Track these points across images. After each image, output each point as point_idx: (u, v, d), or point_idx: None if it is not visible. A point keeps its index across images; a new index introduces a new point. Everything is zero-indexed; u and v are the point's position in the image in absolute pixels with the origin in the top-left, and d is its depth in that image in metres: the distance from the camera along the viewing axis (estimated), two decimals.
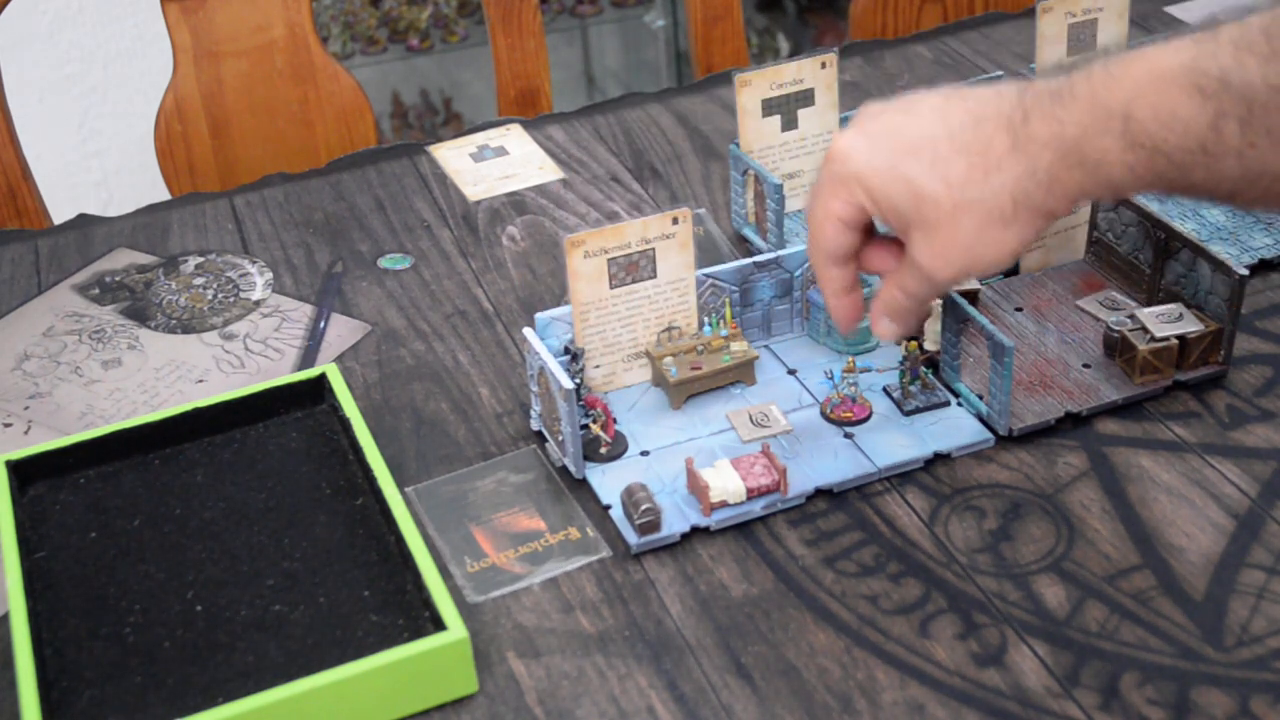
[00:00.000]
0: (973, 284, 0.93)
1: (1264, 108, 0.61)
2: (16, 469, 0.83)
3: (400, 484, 0.83)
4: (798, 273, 0.91)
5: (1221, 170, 0.64)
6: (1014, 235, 0.70)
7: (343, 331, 0.99)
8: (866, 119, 0.74)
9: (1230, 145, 0.63)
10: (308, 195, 1.17)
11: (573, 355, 0.86)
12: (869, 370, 0.88)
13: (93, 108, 2.29)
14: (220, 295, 1.04)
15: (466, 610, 0.75)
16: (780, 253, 0.91)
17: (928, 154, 0.70)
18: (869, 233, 0.76)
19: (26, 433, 0.91)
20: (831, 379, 0.88)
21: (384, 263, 1.07)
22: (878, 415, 0.86)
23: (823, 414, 0.86)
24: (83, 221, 1.15)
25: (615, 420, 0.86)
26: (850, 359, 0.87)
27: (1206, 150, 0.63)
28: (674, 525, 0.79)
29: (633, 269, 0.86)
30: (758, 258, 0.90)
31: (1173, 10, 1.37)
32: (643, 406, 0.88)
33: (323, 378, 0.88)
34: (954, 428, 0.84)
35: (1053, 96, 0.68)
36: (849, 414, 0.85)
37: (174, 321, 1.02)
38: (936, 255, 0.71)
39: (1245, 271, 0.85)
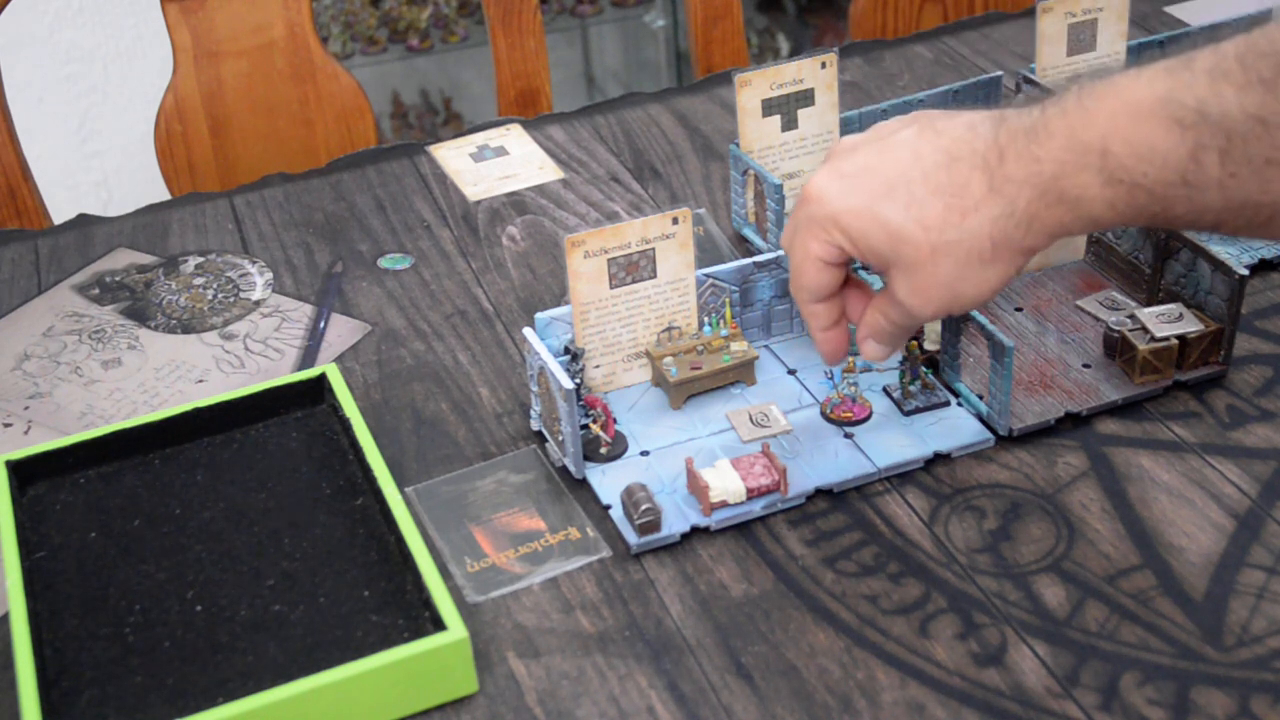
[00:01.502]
0: None
1: (1243, 137, 0.60)
2: (16, 469, 0.83)
3: (400, 484, 0.83)
4: None
5: (1204, 201, 0.63)
6: (994, 274, 0.70)
7: (343, 331, 0.99)
8: (840, 157, 0.73)
9: (1211, 176, 0.62)
10: (308, 195, 1.17)
11: (573, 355, 0.86)
12: (869, 370, 0.88)
13: (93, 108, 2.29)
14: (220, 295, 1.04)
15: (466, 610, 0.75)
16: (780, 253, 0.91)
17: (903, 195, 0.69)
18: (846, 268, 0.76)
19: (26, 433, 0.91)
20: (831, 379, 0.88)
21: (384, 263, 1.07)
22: (878, 415, 0.86)
23: (823, 414, 0.86)
24: (83, 221, 1.15)
25: (615, 420, 0.86)
26: (850, 359, 0.87)
27: (1187, 182, 0.63)
28: (674, 525, 0.79)
29: (633, 269, 0.86)
30: (758, 258, 0.90)
31: (1173, 10, 1.37)
32: (643, 406, 0.88)
33: (323, 378, 0.89)
34: (954, 428, 0.84)
35: (1028, 133, 0.67)
36: (849, 414, 0.85)
37: (174, 321, 1.02)
38: (916, 294, 0.71)
39: (1245, 271, 0.85)
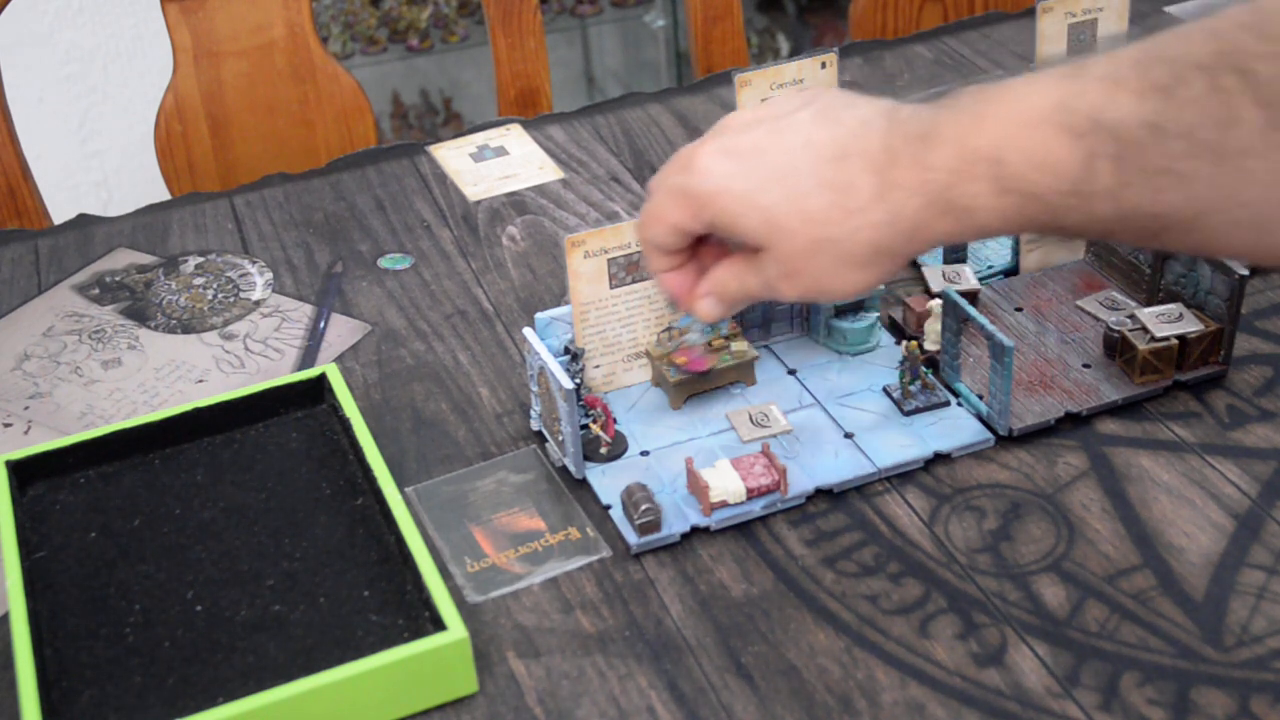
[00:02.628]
0: (972, 284, 0.93)
1: (1137, 145, 0.58)
2: (16, 469, 0.83)
3: (400, 484, 0.83)
4: None
5: (1095, 211, 0.61)
6: (865, 276, 0.68)
7: (343, 331, 0.99)
8: (731, 132, 0.71)
9: (1104, 185, 0.60)
10: (308, 195, 1.17)
11: (573, 355, 0.86)
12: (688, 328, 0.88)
13: (93, 108, 2.29)
14: (220, 295, 1.04)
15: (466, 610, 0.75)
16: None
17: (789, 185, 0.67)
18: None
19: (26, 433, 0.91)
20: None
21: (384, 263, 1.07)
22: (878, 415, 0.86)
23: (671, 364, 0.86)
24: (83, 221, 1.15)
25: (615, 420, 0.86)
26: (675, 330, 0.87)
27: (1079, 192, 0.61)
28: (674, 525, 0.79)
29: (633, 269, 0.86)
30: None
31: (1173, 10, 1.37)
32: (643, 406, 0.88)
33: (323, 378, 0.89)
34: (954, 428, 0.84)
35: (920, 139, 0.65)
36: (683, 360, 0.85)
37: (174, 321, 1.02)
38: (785, 278, 0.70)
39: (1245, 271, 0.85)
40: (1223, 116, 0.56)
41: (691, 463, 0.80)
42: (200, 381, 0.96)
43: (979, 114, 0.63)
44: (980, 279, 0.96)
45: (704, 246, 0.76)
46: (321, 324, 1.00)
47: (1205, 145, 0.57)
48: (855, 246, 0.67)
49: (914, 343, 0.86)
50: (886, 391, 0.87)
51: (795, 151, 0.68)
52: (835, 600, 0.75)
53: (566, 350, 0.86)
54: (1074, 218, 0.62)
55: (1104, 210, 0.61)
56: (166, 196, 1.37)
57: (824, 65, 1.03)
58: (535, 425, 0.87)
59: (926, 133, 0.65)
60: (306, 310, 1.02)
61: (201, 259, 1.09)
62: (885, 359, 0.90)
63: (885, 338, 0.92)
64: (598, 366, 0.88)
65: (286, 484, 0.83)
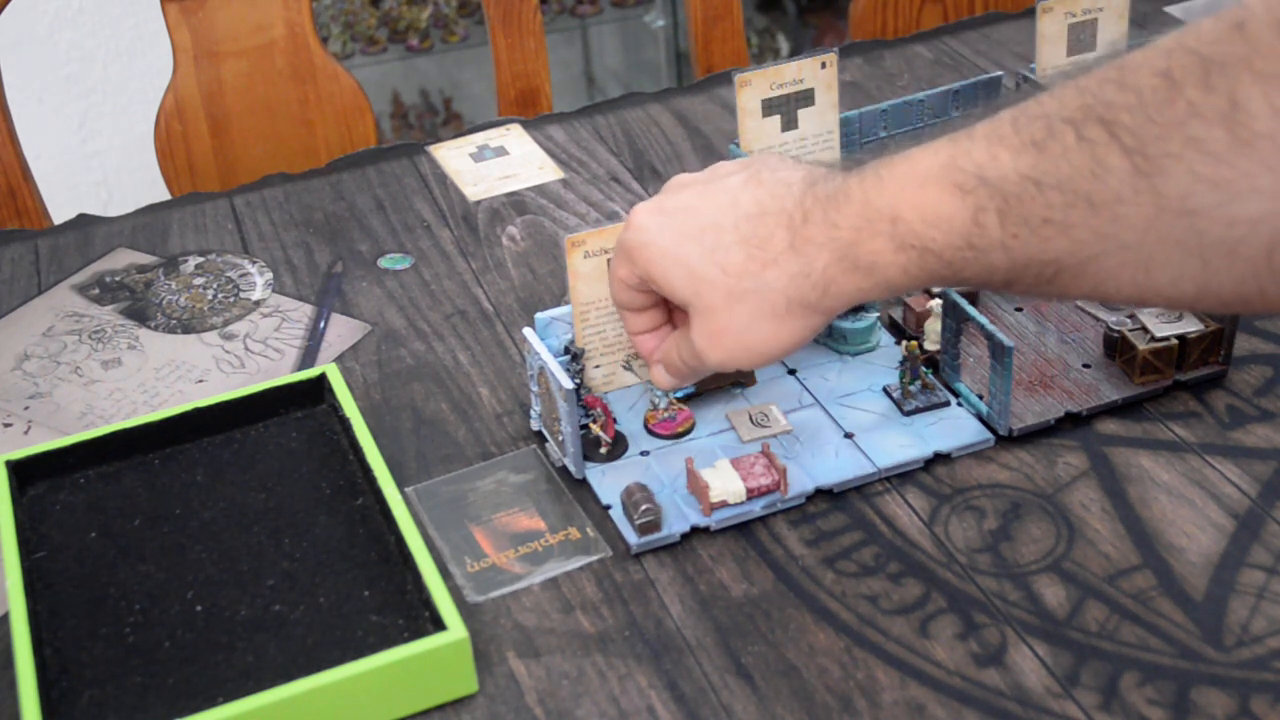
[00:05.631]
0: None
1: (1019, 198, 0.62)
2: (16, 469, 0.83)
3: (400, 484, 0.83)
4: None
5: (990, 262, 0.64)
6: (787, 331, 0.72)
7: (343, 331, 0.99)
8: (669, 192, 0.76)
9: (993, 238, 0.63)
10: (308, 195, 1.17)
11: (573, 355, 0.86)
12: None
13: (93, 108, 2.29)
14: (220, 295, 1.04)
15: (466, 610, 0.75)
16: None
17: (710, 239, 0.72)
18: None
19: (26, 433, 0.91)
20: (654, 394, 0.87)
21: (384, 263, 1.07)
22: (878, 415, 0.86)
23: (646, 428, 0.86)
24: (83, 221, 1.15)
25: (615, 420, 0.86)
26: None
27: (972, 245, 0.64)
28: (674, 525, 0.79)
29: None
30: None
31: (1173, 10, 1.37)
32: (643, 406, 0.88)
33: (323, 378, 0.89)
34: (954, 428, 0.84)
35: (830, 199, 0.69)
36: (664, 427, 0.85)
37: (174, 321, 1.02)
38: (708, 338, 0.73)
39: None
40: (1093, 167, 0.59)
41: (691, 463, 0.80)
42: (200, 381, 0.96)
43: (880, 176, 0.68)
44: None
45: (677, 312, 0.80)
46: (321, 324, 1.00)
47: (1080, 194, 0.60)
48: (772, 296, 0.70)
49: (914, 343, 0.86)
50: (886, 391, 0.87)
51: (721, 209, 0.72)
52: (835, 600, 0.75)
53: (566, 350, 0.86)
54: (972, 269, 0.65)
55: (999, 260, 0.64)
56: (166, 196, 1.37)
57: (824, 65, 1.03)
58: (535, 425, 0.87)
59: (836, 193, 0.69)
60: (306, 310, 1.02)
61: (201, 259, 1.09)
62: (885, 359, 0.90)
63: (885, 338, 0.92)
64: (598, 366, 0.88)
65: (286, 484, 0.83)
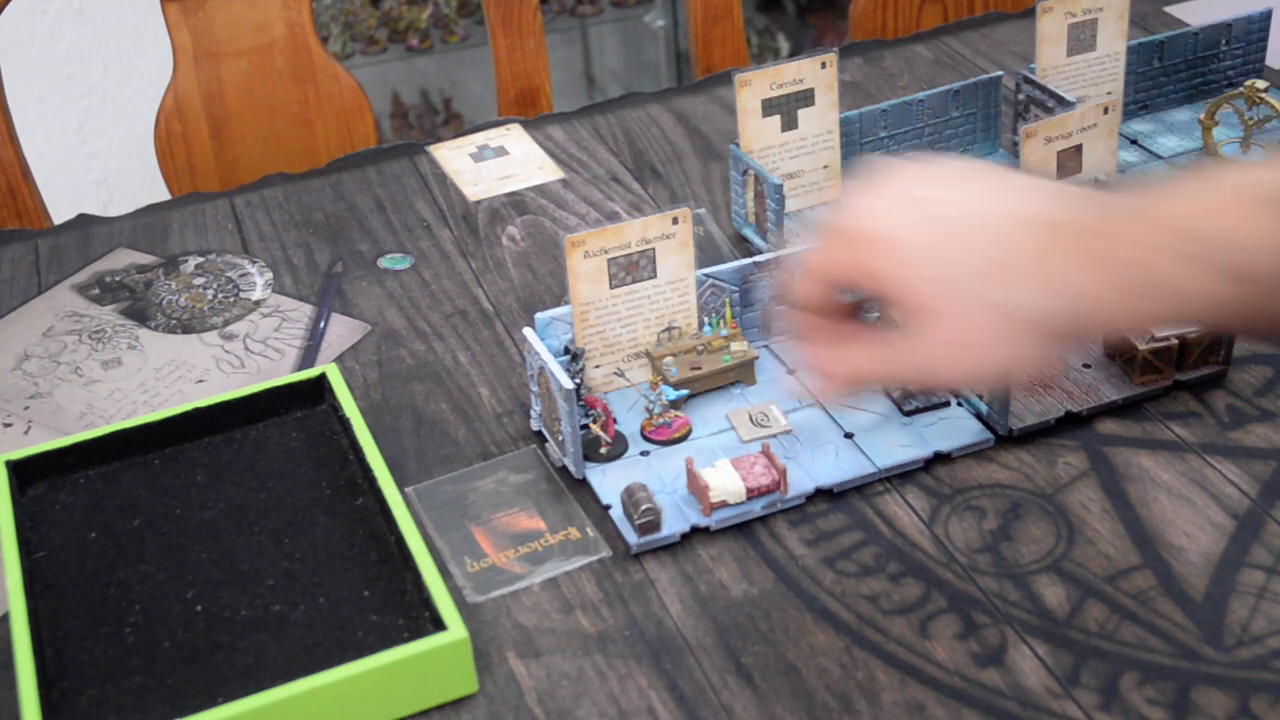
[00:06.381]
0: None
1: None
2: (16, 469, 0.83)
3: (400, 484, 0.83)
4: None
5: None
6: (1024, 350, 0.63)
7: (343, 331, 0.99)
8: (912, 183, 0.66)
9: None
10: (308, 195, 1.17)
11: (573, 355, 0.86)
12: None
13: (93, 108, 2.29)
14: (220, 295, 1.04)
15: (466, 610, 0.75)
16: (780, 253, 0.91)
17: (967, 241, 0.63)
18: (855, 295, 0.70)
19: (26, 433, 0.91)
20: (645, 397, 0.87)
21: (384, 263, 1.07)
22: (878, 415, 0.86)
23: (642, 434, 0.85)
24: (83, 221, 1.15)
25: (615, 420, 0.86)
26: (654, 378, 0.86)
27: None
28: (674, 525, 0.79)
29: (633, 269, 0.86)
30: (758, 258, 0.90)
31: (1173, 10, 1.37)
32: (643, 406, 0.88)
33: (323, 378, 0.89)
34: (954, 428, 0.84)
35: (1119, 215, 0.62)
36: (660, 434, 0.85)
37: (174, 321, 1.02)
38: (941, 348, 0.64)
39: None
40: None
41: (691, 463, 0.80)
42: (200, 381, 0.96)
43: (1172, 192, 0.61)
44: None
45: (845, 325, 0.70)
46: (321, 324, 1.00)
47: None
48: (1024, 313, 0.62)
49: None
50: (886, 391, 0.87)
51: (980, 213, 0.64)
52: (835, 600, 0.75)
53: (566, 350, 0.86)
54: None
55: None
56: (166, 196, 1.37)
57: (824, 65, 1.03)
58: (535, 425, 0.87)
59: (1123, 210, 0.62)
60: (306, 310, 1.02)
61: (201, 259, 1.09)
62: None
63: None
64: (598, 366, 0.88)
65: (286, 484, 0.83)
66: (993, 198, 0.64)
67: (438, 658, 0.69)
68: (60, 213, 1.33)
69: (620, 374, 0.88)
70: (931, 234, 0.64)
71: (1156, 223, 0.60)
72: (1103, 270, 0.61)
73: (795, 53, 2.07)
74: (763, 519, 0.80)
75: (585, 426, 0.84)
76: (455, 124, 2.61)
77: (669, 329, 0.88)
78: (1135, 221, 0.61)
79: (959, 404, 0.86)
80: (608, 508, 0.80)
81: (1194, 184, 0.61)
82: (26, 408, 0.94)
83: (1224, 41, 1.16)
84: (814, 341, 0.69)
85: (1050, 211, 0.63)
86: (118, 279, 1.07)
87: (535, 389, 0.85)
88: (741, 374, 0.89)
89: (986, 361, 0.64)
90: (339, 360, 0.96)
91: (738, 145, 1.03)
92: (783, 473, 0.80)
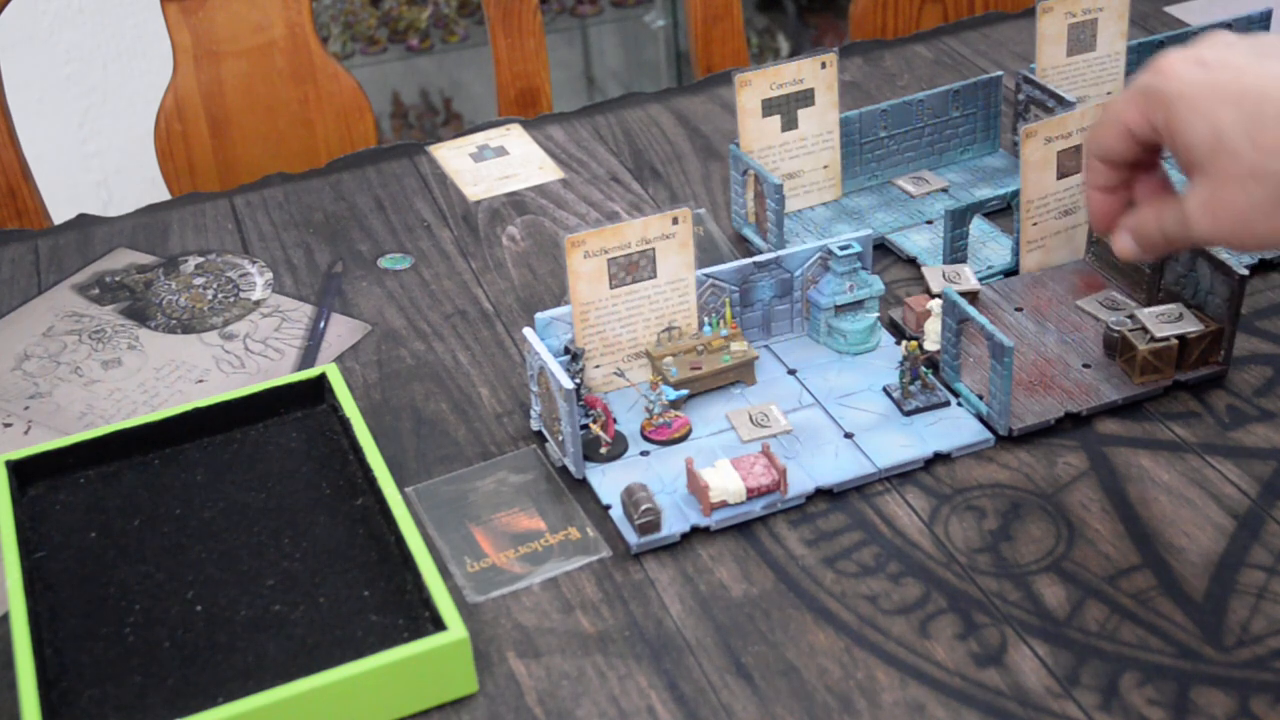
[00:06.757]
0: (972, 284, 0.93)
1: None
2: (16, 469, 0.83)
3: (400, 484, 0.83)
4: (798, 273, 0.91)
5: None
6: None
7: (343, 331, 0.99)
8: (1214, 46, 0.68)
9: None
10: (308, 195, 1.17)
11: (573, 355, 0.86)
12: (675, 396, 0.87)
13: (93, 108, 2.29)
14: (220, 295, 1.04)
15: (466, 610, 0.75)
16: (780, 253, 0.91)
17: (1251, 107, 0.64)
18: (1155, 153, 0.72)
19: (26, 433, 0.91)
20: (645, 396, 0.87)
21: (384, 263, 1.07)
22: (878, 415, 0.86)
23: (642, 434, 0.85)
24: (83, 221, 1.15)
25: (615, 420, 0.86)
26: (654, 379, 0.86)
27: None
28: (674, 525, 0.79)
29: (633, 269, 0.86)
30: (758, 258, 0.90)
31: (1173, 10, 1.37)
32: (643, 406, 0.88)
33: (323, 378, 0.89)
34: (954, 428, 0.84)
35: None
36: (660, 434, 0.85)
37: (174, 321, 1.02)
38: (1208, 210, 0.66)
39: (1245, 271, 0.85)
40: None
41: (691, 463, 0.80)
42: (200, 381, 0.96)
43: None
44: (980, 279, 0.96)
45: (1141, 180, 0.73)
46: (321, 324, 1.00)
47: None
48: None
49: (914, 343, 0.86)
50: (886, 391, 0.87)
51: (1270, 79, 0.65)
52: (835, 600, 0.75)
53: (566, 350, 0.86)
54: None
55: None
56: (166, 196, 1.37)
57: (824, 65, 1.03)
58: (535, 425, 0.87)
59: None
60: (306, 310, 1.02)
61: (201, 259, 1.09)
62: (885, 359, 0.90)
63: (885, 338, 0.92)
64: (598, 366, 0.88)
65: (286, 484, 0.83)
66: None
67: (438, 658, 0.69)
68: (60, 213, 1.33)
69: (620, 374, 0.88)
70: (1212, 95, 0.65)
71: None
72: None
73: (795, 53, 2.07)
74: (763, 519, 0.80)
75: (585, 426, 0.84)
76: (455, 124, 2.62)
77: (669, 329, 0.88)
78: None
79: (959, 404, 0.86)
80: (608, 508, 0.80)
81: None
82: (26, 408, 0.94)
83: None
84: (1103, 191, 0.73)
85: None
86: (118, 279, 1.07)
87: (535, 389, 0.85)
88: (741, 374, 0.89)
89: (1245, 229, 0.65)
90: (339, 360, 0.96)
91: (738, 145, 1.03)
92: (783, 473, 0.80)
